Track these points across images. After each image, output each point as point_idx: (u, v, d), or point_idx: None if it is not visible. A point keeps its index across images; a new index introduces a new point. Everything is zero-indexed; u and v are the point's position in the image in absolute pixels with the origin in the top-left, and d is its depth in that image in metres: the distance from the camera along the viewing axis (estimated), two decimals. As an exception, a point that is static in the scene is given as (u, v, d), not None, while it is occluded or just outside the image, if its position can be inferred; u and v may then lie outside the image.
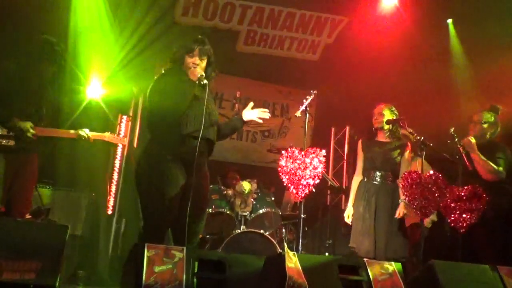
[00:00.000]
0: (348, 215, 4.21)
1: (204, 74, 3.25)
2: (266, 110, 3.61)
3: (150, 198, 3.15)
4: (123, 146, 6.04)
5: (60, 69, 3.84)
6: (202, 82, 3.21)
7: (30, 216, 4.48)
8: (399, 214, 4.03)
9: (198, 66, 3.28)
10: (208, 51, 3.35)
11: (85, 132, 3.79)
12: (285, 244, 2.88)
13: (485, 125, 4.17)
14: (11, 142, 3.52)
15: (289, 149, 3.78)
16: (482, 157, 4.00)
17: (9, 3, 4.98)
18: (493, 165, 4.00)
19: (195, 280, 2.53)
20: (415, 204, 3.85)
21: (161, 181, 3.10)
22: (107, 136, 4.00)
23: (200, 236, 4.94)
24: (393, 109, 4.36)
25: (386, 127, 4.30)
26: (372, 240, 3.97)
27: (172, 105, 3.13)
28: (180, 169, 3.15)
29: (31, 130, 3.52)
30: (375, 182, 4.18)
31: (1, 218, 3.37)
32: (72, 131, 3.80)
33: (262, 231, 4.79)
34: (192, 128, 3.15)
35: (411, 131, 4.31)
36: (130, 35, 5.75)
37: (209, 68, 3.37)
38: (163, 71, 3.40)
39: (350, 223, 4.20)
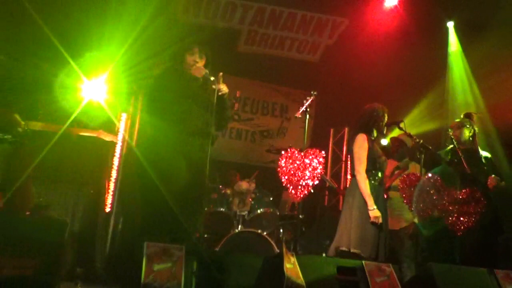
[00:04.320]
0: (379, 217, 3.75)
1: (208, 72, 3.27)
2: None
3: (152, 194, 3.14)
4: (122, 143, 6.04)
5: (59, 67, 3.85)
6: (210, 78, 3.22)
7: (28, 212, 4.47)
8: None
9: (198, 64, 3.31)
10: (207, 51, 3.38)
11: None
12: (284, 244, 2.88)
13: (464, 129, 4.40)
14: (7, 136, 3.51)
15: (288, 149, 3.79)
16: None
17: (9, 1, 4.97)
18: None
19: (193, 279, 2.53)
20: (413, 206, 3.87)
21: (163, 178, 3.10)
22: (99, 133, 4.01)
23: (198, 235, 4.96)
24: None
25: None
26: (376, 244, 3.84)
27: (175, 102, 3.14)
28: (182, 166, 3.16)
29: (21, 122, 3.50)
30: (381, 185, 3.97)
31: (0, 214, 3.36)
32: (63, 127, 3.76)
33: (260, 231, 4.79)
34: (195, 125, 3.17)
35: (410, 133, 4.32)
36: (131, 33, 5.75)
37: (208, 67, 3.40)
38: (163, 69, 3.42)
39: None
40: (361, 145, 3.85)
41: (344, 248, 3.75)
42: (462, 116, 4.60)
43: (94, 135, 4.10)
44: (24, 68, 3.66)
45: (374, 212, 3.66)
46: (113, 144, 5.91)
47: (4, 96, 3.54)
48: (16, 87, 3.61)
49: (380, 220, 3.68)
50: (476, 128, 4.46)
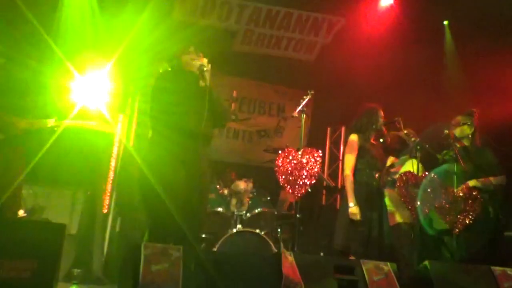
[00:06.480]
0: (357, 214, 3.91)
1: (203, 64, 3.28)
2: None
3: (155, 198, 3.12)
4: (119, 144, 6.02)
5: (46, 64, 3.82)
6: (204, 69, 3.23)
7: (24, 215, 4.46)
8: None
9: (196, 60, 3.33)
10: (203, 48, 3.39)
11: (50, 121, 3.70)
12: (281, 244, 2.89)
13: (464, 127, 4.33)
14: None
15: (285, 149, 3.79)
16: (486, 183, 4.09)
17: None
18: (494, 178, 4.10)
19: (191, 279, 2.53)
20: (410, 204, 3.88)
21: (161, 180, 3.09)
22: (94, 124, 3.99)
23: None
24: None
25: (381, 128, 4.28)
26: (366, 242, 3.92)
27: (173, 103, 3.15)
28: (180, 167, 3.16)
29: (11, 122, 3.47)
30: (375, 183, 4.05)
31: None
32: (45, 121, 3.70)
33: (257, 231, 4.79)
34: (192, 126, 3.18)
35: (406, 132, 4.33)
36: (126, 33, 5.74)
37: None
38: (161, 71, 3.42)
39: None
40: (349, 146, 4.04)
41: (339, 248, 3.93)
42: (464, 113, 4.56)
43: (91, 126, 4.04)
44: (18, 69, 3.64)
45: (352, 208, 3.83)
46: (110, 144, 5.91)
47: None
48: (10, 89, 3.59)
49: (357, 217, 3.82)
50: (476, 126, 4.39)
